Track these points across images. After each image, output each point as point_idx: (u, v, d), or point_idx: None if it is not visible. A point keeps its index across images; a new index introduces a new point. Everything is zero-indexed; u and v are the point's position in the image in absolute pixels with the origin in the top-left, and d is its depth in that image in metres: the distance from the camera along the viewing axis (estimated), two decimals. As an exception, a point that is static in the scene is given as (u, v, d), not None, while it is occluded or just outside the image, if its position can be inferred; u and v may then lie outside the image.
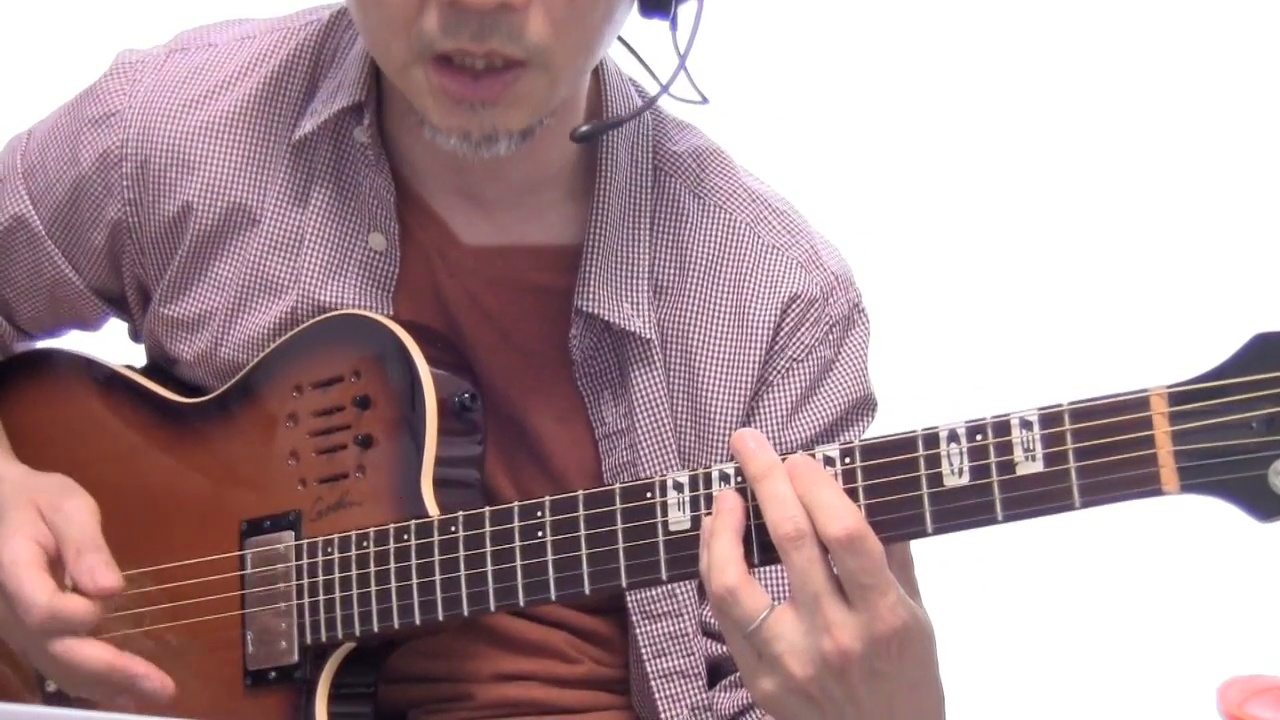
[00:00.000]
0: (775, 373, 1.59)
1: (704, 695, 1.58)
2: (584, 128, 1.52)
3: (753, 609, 1.30)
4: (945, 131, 2.68)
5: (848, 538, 1.27)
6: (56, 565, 1.54)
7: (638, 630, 1.57)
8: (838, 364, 1.61)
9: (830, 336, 1.60)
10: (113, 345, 1.73)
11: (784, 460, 1.32)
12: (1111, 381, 1.24)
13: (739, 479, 1.33)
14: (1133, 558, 2.52)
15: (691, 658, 1.58)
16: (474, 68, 1.41)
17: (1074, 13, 2.67)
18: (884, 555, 1.28)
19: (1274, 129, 2.59)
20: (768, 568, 1.35)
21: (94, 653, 1.51)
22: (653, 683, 1.57)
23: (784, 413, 1.59)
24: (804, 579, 1.28)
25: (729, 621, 1.32)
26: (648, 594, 1.56)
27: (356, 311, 1.55)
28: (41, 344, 1.74)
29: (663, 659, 1.57)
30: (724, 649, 1.57)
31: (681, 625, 1.57)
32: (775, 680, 1.31)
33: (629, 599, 1.57)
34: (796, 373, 1.59)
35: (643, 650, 1.57)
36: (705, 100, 1.52)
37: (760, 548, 1.32)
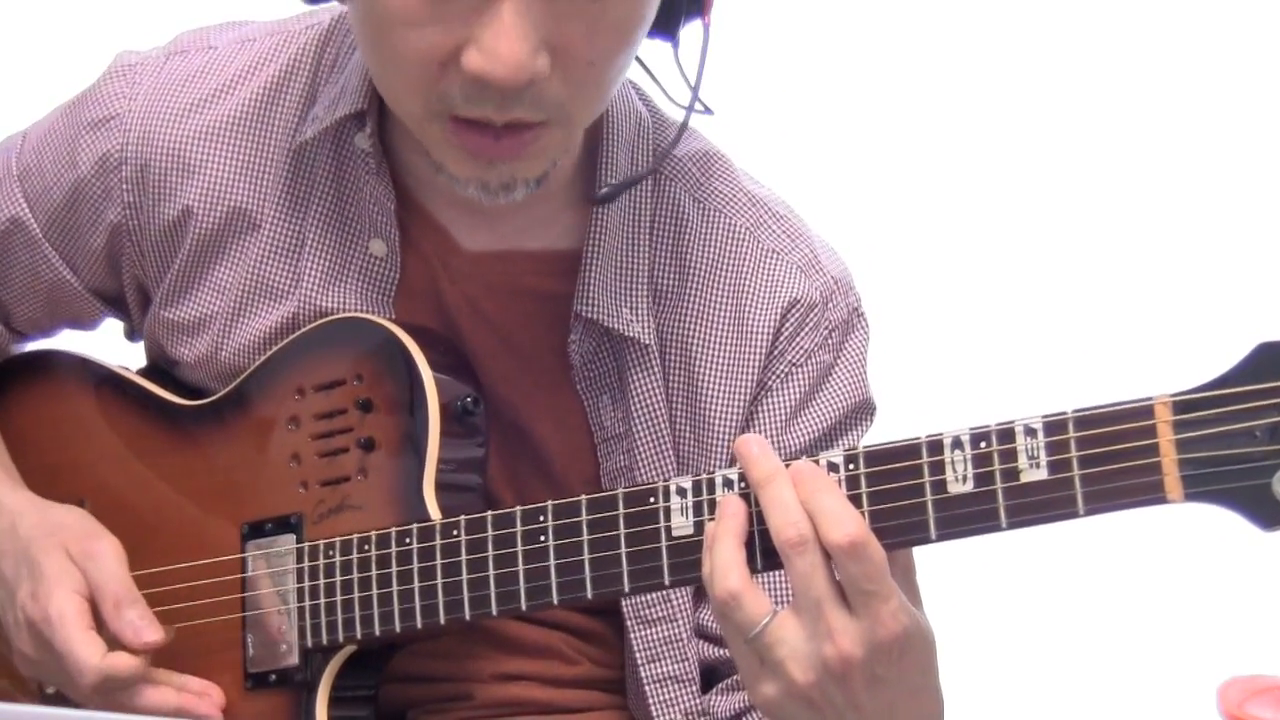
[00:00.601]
0: (774, 377, 1.59)
1: (697, 701, 1.58)
2: (604, 190, 1.53)
3: (756, 614, 1.30)
4: (948, 136, 2.68)
5: (850, 544, 1.27)
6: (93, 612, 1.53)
7: (632, 635, 1.58)
8: (837, 368, 1.61)
9: (830, 341, 1.60)
10: (109, 345, 1.73)
11: (787, 466, 1.31)
12: (1116, 389, 1.24)
13: (743, 484, 1.33)
14: (1133, 558, 2.52)
15: (685, 663, 1.58)
16: (494, 125, 1.39)
17: (1075, 17, 2.66)
18: (886, 562, 1.28)
19: (1278, 137, 2.59)
20: (769, 573, 1.35)
21: (162, 698, 1.51)
22: (646, 688, 1.57)
23: (783, 417, 1.59)
24: (806, 585, 1.28)
25: (731, 626, 1.32)
26: (643, 599, 1.56)
27: (359, 315, 1.55)
28: (42, 345, 1.73)
29: (656, 664, 1.57)
30: (720, 652, 1.58)
31: (676, 630, 1.57)
32: (777, 685, 1.31)
33: (624, 603, 1.57)
34: (796, 377, 1.59)
35: (637, 655, 1.58)
36: (710, 111, 1.52)
37: (763, 554, 1.32)
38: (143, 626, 1.51)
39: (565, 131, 1.43)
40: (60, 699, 1.61)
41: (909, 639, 1.28)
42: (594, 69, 1.38)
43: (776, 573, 1.34)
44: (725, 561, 1.30)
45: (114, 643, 1.51)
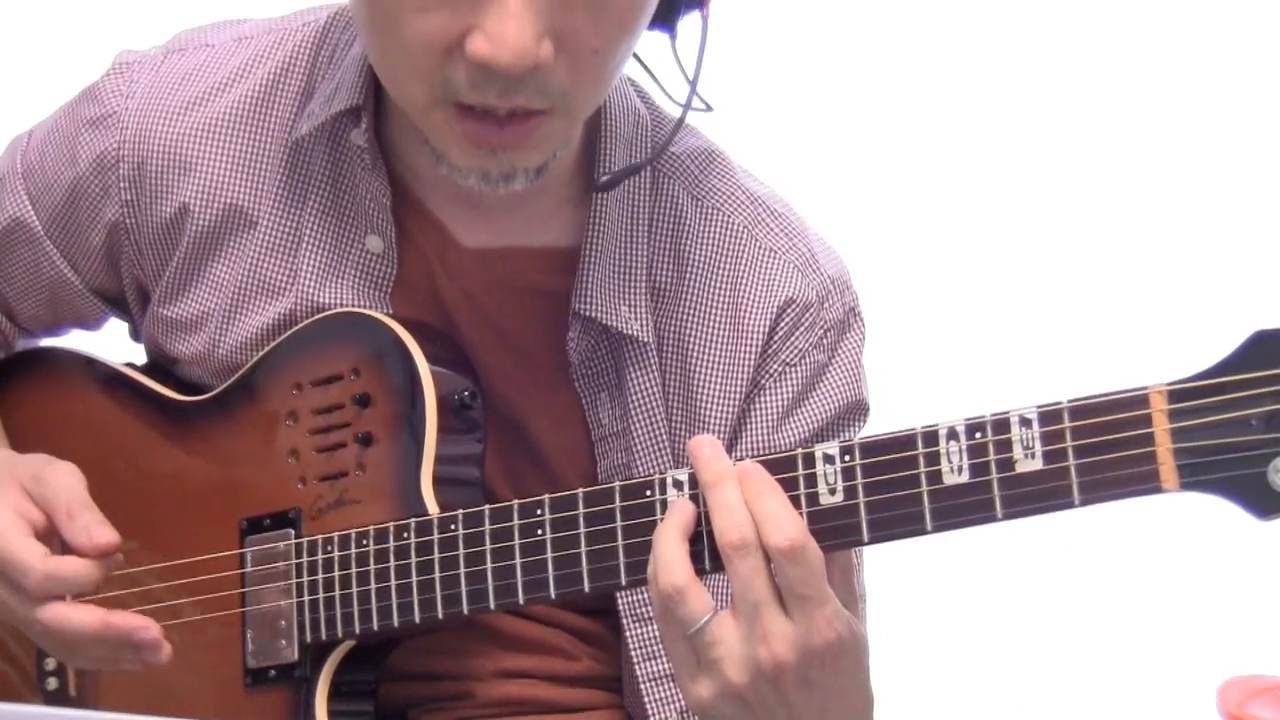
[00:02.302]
0: (768, 376, 1.59)
1: None
2: (605, 177, 1.53)
3: (698, 610, 1.32)
4: (942, 128, 2.69)
5: (790, 548, 1.28)
6: (48, 537, 1.51)
7: (628, 633, 1.58)
8: (831, 368, 1.61)
9: (825, 341, 1.60)
10: (113, 344, 1.73)
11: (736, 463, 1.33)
12: (1111, 379, 1.24)
13: (693, 486, 1.34)
14: (1132, 557, 2.52)
15: None
16: (497, 114, 1.40)
17: (1074, 12, 2.67)
18: (824, 567, 1.30)
19: (1273, 127, 2.59)
20: (714, 575, 1.35)
21: (84, 615, 1.49)
22: (642, 685, 1.57)
23: (776, 416, 1.59)
24: (746, 587, 1.30)
25: (673, 622, 1.33)
26: (638, 596, 1.57)
27: (357, 309, 1.55)
28: (42, 342, 1.74)
29: (652, 662, 1.57)
30: None
31: None
32: (712, 685, 1.32)
33: (620, 601, 1.57)
34: (789, 377, 1.59)
35: (632, 653, 1.58)
36: (709, 108, 1.53)
37: (711, 555, 1.34)
38: (94, 528, 1.50)
39: (567, 121, 1.43)
40: (60, 697, 1.61)
41: (841, 646, 1.31)
42: (598, 57, 1.39)
43: (720, 575, 1.35)
44: (669, 557, 1.32)
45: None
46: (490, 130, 1.41)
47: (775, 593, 1.30)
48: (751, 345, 1.58)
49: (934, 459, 1.28)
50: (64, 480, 1.53)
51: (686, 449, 1.35)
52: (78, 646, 1.51)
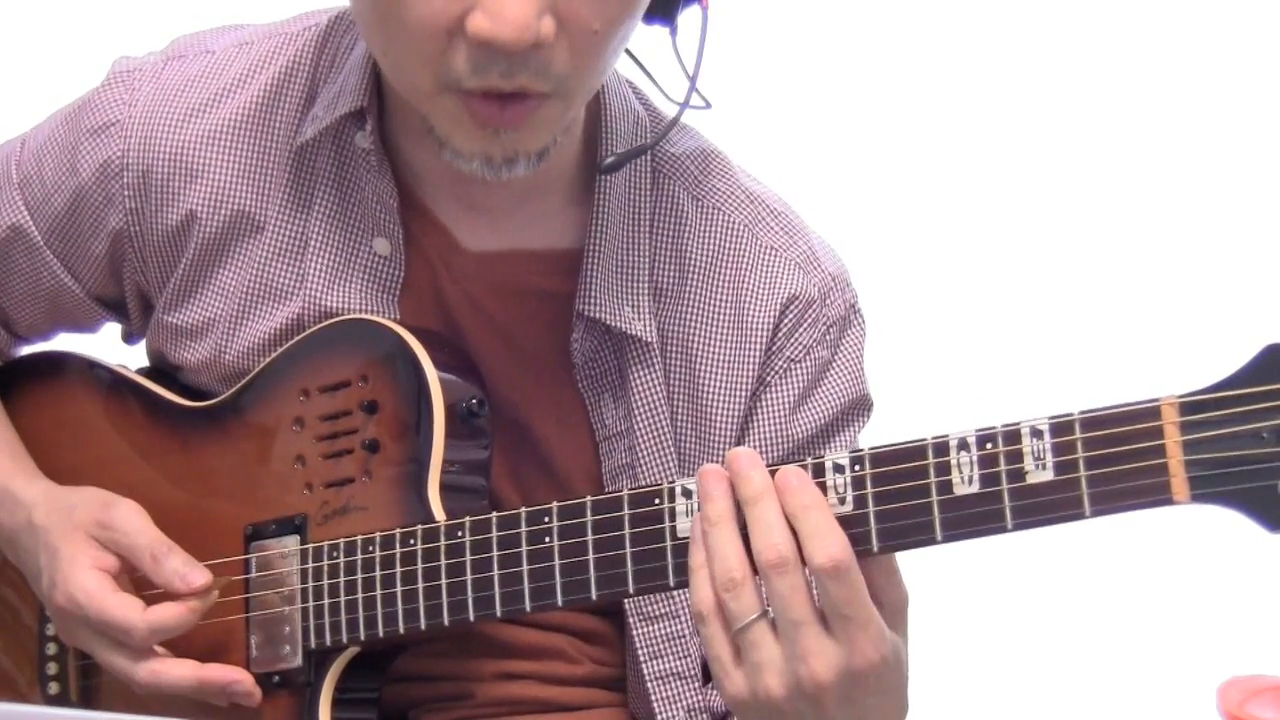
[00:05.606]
0: (773, 373, 1.59)
1: (699, 696, 1.58)
2: (610, 159, 1.52)
3: (749, 607, 1.29)
4: (950, 135, 2.68)
5: (833, 567, 1.27)
6: (124, 581, 1.52)
7: (635, 631, 1.58)
8: (834, 364, 1.62)
9: (828, 337, 1.61)
10: (109, 346, 1.72)
11: (774, 473, 1.31)
12: (1123, 391, 1.24)
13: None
14: (1133, 557, 2.52)
15: (688, 659, 1.58)
16: (501, 93, 1.40)
17: (1075, 14, 2.66)
18: (865, 586, 1.28)
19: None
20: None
21: (180, 671, 1.50)
22: (649, 684, 1.58)
23: (782, 413, 1.60)
24: (786, 606, 1.28)
25: (720, 614, 1.30)
26: (646, 596, 1.57)
27: (364, 316, 1.55)
28: (47, 348, 1.73)
29: (659, 660, 1.58)
30: None
31: (678, 627, 1.58)
32: (749, 686, 1.30)
33: (627, 600, 1.57)
34: (794, 373, 1.60)
35: (639, 651, 1.58)
36: (709, 106, 1.53)
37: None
38: (187, 572, 1.50)
39: (564, 105, 1.43)
40: (62, 699, 1.61)
41: (885, 666, 1.29)
42: (598, 37, 1.39)
43: None
44: (726, 550, 1.30)
45: (164, 598, 1.50)
46: (494, 110, 1.40)
47: (816, 612, 1.28)
48: (756, 342, 1.59)
49: (944, 469, 1.27)
50: (134, 521, 1.52)
51: (724, 461, 1.32)
52: (171, 696, 1.52)
